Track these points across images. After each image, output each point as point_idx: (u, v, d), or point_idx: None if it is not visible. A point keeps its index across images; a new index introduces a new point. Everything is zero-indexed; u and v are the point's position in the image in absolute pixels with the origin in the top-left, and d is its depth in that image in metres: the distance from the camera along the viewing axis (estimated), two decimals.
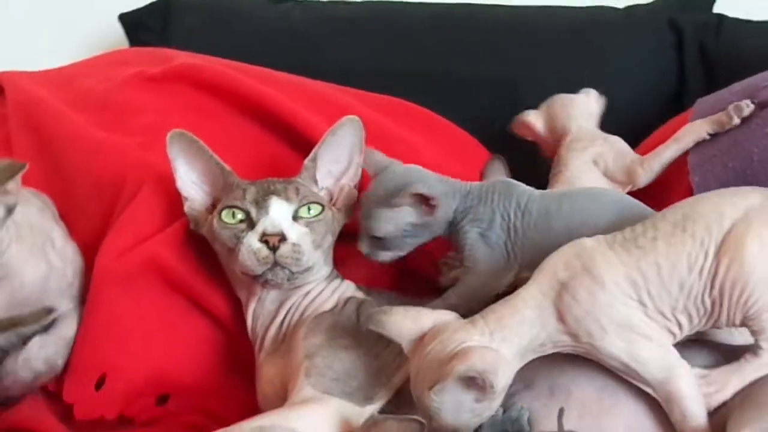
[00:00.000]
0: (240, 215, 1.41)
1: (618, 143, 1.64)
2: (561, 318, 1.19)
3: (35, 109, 1.75)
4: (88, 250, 1.58)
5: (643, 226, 1.22)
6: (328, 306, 1.43)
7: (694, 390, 1.19)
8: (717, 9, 2.09)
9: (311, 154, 1.50)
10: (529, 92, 1.89)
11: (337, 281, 1.47)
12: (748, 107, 1.52)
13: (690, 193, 1.51)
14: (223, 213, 1.43)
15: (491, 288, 1.35)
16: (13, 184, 1.40)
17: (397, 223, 1.39)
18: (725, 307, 1.18)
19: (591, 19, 2.11)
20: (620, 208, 1.34)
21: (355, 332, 1.36)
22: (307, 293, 1.45)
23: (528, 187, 1.42)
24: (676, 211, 1.23)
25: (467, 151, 1.82)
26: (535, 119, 1.72)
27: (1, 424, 1.46)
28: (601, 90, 1.76)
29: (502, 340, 1.19)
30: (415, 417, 1.16)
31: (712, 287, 1.18)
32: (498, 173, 1.67)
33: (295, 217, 1.42)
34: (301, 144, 1.64)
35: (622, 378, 1.23)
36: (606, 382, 1.25)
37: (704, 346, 1.28)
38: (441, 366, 1.17)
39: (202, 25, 2.28)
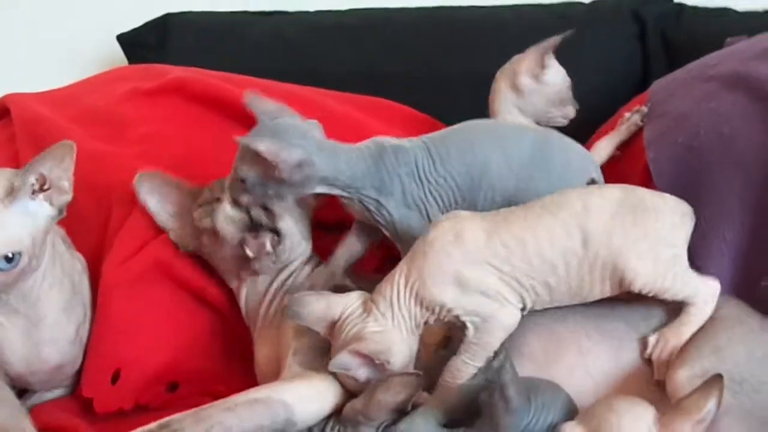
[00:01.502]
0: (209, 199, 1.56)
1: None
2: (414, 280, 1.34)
3: (39, 127, 1.88)
4: (90, 256, 1.71)
5: (518, 207, 1.37)
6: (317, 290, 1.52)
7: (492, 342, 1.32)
8: None
9: None
10: None
11: (323, 267, 1.59)
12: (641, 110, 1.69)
13: (647, 168, 1.61)
14: (199, 209, 1.58)
15: None
16: (67, 180, 1.47)
17: (254, 170, 1.42)
18: (598, 285, 1.32)
19: (559, 15, 2.23)
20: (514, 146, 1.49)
21: None
22: (293, 273, 1.57)
23: (404, 141, 1.52)
24: (548, 198, 1.36)
25: None
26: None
27: (38, 426, 1.55)
28: (571, 80, 1.85)
29: (393, 319, 1.34)
30: (413, 371, 1.30)
31: (580, 267, 1.31)
32: None
33: None
34: None
35: (561, 321, 1.37)
36: (550, 331, 1.39)
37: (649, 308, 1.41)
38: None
39: (198, 40, 2.41)
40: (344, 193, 1.48)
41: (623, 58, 2.19)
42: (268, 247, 1.51)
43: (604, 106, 1.93)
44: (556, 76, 1.67)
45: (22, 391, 1.68)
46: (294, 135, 1.43)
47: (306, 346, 1.43)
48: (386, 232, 1.50)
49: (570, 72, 2.06)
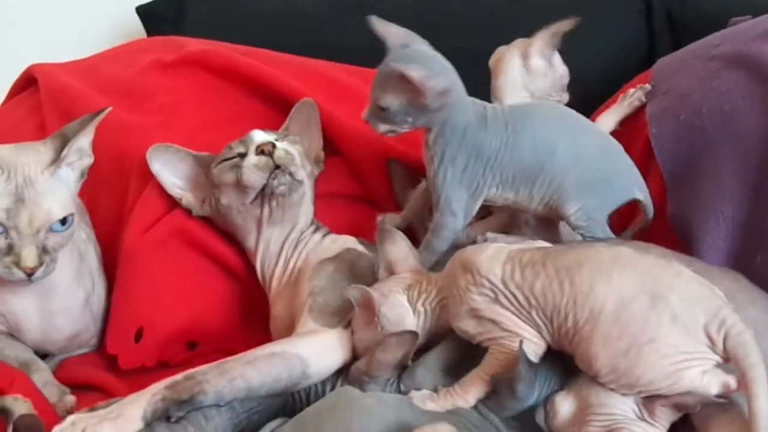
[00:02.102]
0: (231, 155, 1.62)
1: None
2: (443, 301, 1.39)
3: (65, 96, 1.94)
4: (111, 219, 1.80)
5: (534, 262, 1.30)
6: (330, 254, 1.61)
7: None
8: None
9: (282, 127, 1.75)
10: None
11: (334, 235, 1.67)
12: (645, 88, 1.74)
13: (649, 143, 1.67)
14: (220, 165, 1.63)
15: (462, 224, 1.53)
16: (87, 141, 1.55)
17: (398, 97, 1.45)
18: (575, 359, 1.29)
19: None
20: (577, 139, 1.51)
21: (353, 276, 1.54)
22: (303, 238, 1.64)
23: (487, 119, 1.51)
24: (569, 255, 1.30)
25: None
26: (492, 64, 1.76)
27: (65, 379, 1.65)
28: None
29: (415, 309, 1.39)
30: (410, 330, 1.36)
31: (567, 340, 1.28)
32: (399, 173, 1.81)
33: (278, 139, 1.63)
34: None
35: None
36: None
37: None
38: None
39: (214, 13, 2.47)
40: (435, 141, 1.49)
41: (629, 37, 2.24)
42: (287, 195, 1.58)
43: (609, 84, 1.96)
44: (561, 62, 1.72)
45: None
46: (435, 62, 1.47)
47: (321, 303, 1.50)
48: (431, 193, 1.53)
49: (576, 50, 2.11)
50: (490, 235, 1.57)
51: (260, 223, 1.64)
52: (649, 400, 1.24)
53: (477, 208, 1.53)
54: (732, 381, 1.21)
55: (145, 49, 2.12)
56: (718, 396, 1.21)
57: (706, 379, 1.21)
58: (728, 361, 1.21)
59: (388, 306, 1.39)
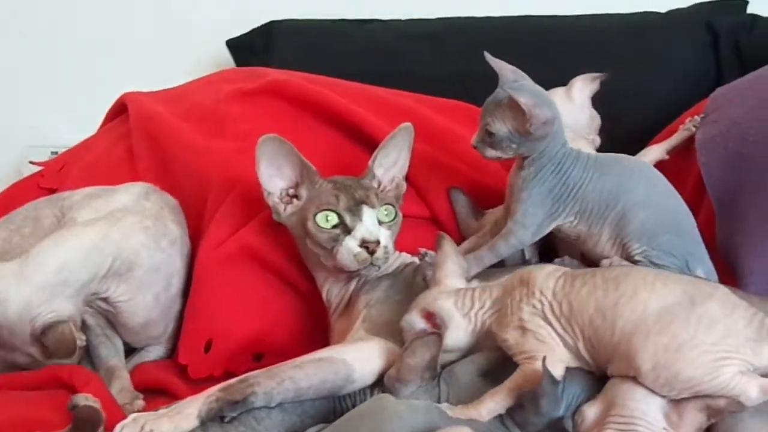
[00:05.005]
0: (334, 220, 1.65)
1: None
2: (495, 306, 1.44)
3: (152, 123, 2.09)
4: (191, 236, 1.90)
5: (585, 274, 1.39)
6: (389, 270, 1.68)
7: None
8: (750, 10, 2.30)
9: (373, 157, 1.75)
10: None
11: (397, 253, 1.72)
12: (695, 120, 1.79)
13: (699, 171, 1.70)
14: (318, 216, 1.65)
15: (529, 239, 1.60)
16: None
17: (506, 124, 1.53)
18: (610, 369, 1.34)
19: (635, 24, 2.35)
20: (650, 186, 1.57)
21: (408, 291, 1.62)
22: None
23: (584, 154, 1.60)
24: (617, 269, 1.42)
25: None
26: None
27: (140, 382, 1.77)
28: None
29: (467, 317, 1.46)
30: (433, 331, 1.42)
31: (603, 346, 1.33)
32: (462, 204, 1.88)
33: (379, 222, 1.67)
34: (366, 143, 1.92)
35: None
36: None
37: None
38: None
39: (299, 45, 2.60)
40: (530, 163, 1.57)
41: (696, 68, 2.28)
42: (376, 269, 1.64)
43: (677, 114, 1.98)
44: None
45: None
46: (541, 95, 1.55)
47: (374, 315, 1.58)
48: (512, 208, 1.61)
49: (644, 80, 2.17)
50: (567, 259, 1.65)
51: (335, 272, 1.69)
52: (680, 402, 1.28)
53: (548, 230, 1.60)
54: None
55: (229, 78, 2.24)
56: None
57: (744, 379, 1.26)
58: None
59: (440, 309, 1.45)
